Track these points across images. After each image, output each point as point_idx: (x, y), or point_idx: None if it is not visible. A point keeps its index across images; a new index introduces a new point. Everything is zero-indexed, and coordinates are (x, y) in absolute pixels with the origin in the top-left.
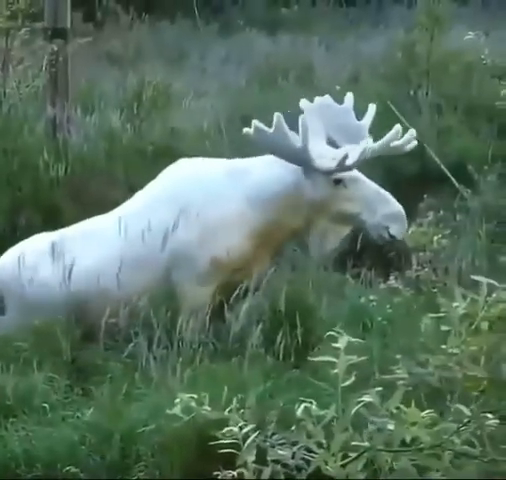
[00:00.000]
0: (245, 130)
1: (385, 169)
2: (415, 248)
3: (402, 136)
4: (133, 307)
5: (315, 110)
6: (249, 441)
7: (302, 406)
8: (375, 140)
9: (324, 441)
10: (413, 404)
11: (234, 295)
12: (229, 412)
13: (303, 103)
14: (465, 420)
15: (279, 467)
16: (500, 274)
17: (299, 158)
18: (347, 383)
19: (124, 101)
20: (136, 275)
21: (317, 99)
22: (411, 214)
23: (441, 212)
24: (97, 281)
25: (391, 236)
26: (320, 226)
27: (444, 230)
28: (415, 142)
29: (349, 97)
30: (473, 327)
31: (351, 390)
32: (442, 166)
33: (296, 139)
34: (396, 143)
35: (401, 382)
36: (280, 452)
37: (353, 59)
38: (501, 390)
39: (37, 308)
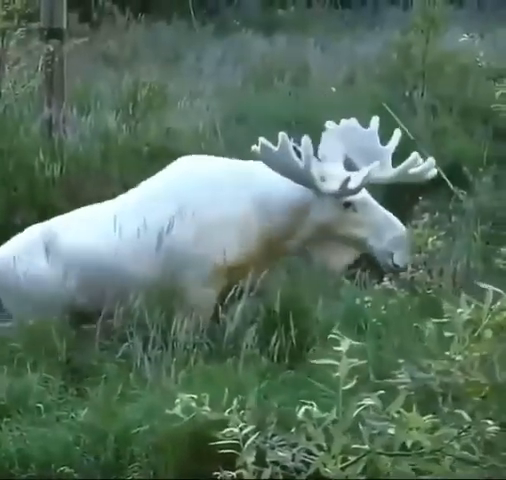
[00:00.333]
0: (253, 148)
1: None
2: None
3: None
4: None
5: (338, 132)
6: (249, 442)
7: (303, 408)
8: None
9: (324, 444)
10: (414, 409)
11: (229, 296)
12: (228, 413)
13: (328, 124)
14: (465, 426)
15: (278, 469)
16: (495, 276)
17: (302, 178)
18: (348, 386)
19: (120, 101)
20: (131, 271)
21: (343, 121)
22: (406, 216)
23: (436, 214)
24: (93, 275)
25: (395, 265)
26: (326, 247)
27: (439, 232)
28: (435, 171)
29: (375, 121)
30: (476, 334)
31: (350, 392)
32: (437, 168)
33: (299, 160)
34: (414, 171)
35: (403, 386)
36: (280, 454)
37: (349, 60)
38: (502, 397)
39: (32, 300)
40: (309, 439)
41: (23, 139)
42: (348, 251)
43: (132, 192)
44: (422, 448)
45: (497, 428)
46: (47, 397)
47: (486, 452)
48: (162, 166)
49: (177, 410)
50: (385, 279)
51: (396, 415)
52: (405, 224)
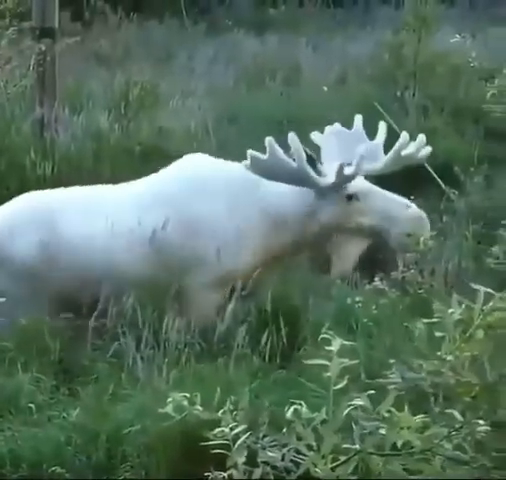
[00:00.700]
0: (243, 163)
1: None
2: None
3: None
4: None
5: (327, 139)
6: (239, 442)
7: (292, 408)
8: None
9: (314, 443)
10: (406, 408)
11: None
12: (221, 413)
13: (314, 135)
14: (456, 425)
15: (269, 469)
16: (486, 276)
17: (298, 178)
18: (339, 386)
19: (112, 101)
20: (124, 266)
21: (327, 128)
22: None
23: (428, 213)
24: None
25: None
26: (339, 244)
27: (430, 231)
28: (429, 148)
29: (358, 119)
30: (468, 334)
31: (341, 392)
32: (428, 167)
33: (291, 161)
34: (407, 152)
35: (392, 386)
36: (269, 454)
37: (340, 60)
38: (492, 397)
39: (24, 276)
40: (300, 439)
41: (15, 138)
42: (355, 249)
43: (136, 183)
44: (413, 448)
45: (488, 428)
46: (38, 397)
47: (477, 451)
48: (154, 165)
49: (169, 409)
50: (376, 279)
51: (387, 415)
52: None
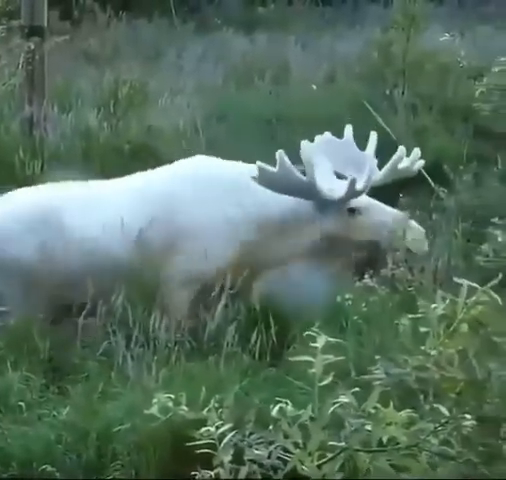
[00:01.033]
0: (251, 176)
1: None
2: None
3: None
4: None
5: (317, 148)
6: (225, 441)
7: (277, 406)
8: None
9: (300, 441)
10: (391, 404)
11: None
12: (207, 412)
13: (304, 144)
14: (442, 421)
15: (255, 467)
16: (476, 274)
17: (308, 192)
18: (324, 383)
19: (101, 99)
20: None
21: (317, 138)
22: None
23: (417, 211)
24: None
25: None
26: (344, 260)
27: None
28: (422, 162)
29: (348, 129)
30: (451, 329)
31: (328, 389)
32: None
33: (301, 175)
34: (403, 165)
35: (378, 382)
36: (256, 452)
37: (329, 58)
38: (478, 392)
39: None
40: (286, 437)
41: (3, 137)
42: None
43: (130, 179)
44: (398, 444)
45: (474, 423)
46: (28, 395)
47: (464, 446)
48: (143, 164)
49: (154, 410)
50: (366, 276)
51: (373, 411)
52: None
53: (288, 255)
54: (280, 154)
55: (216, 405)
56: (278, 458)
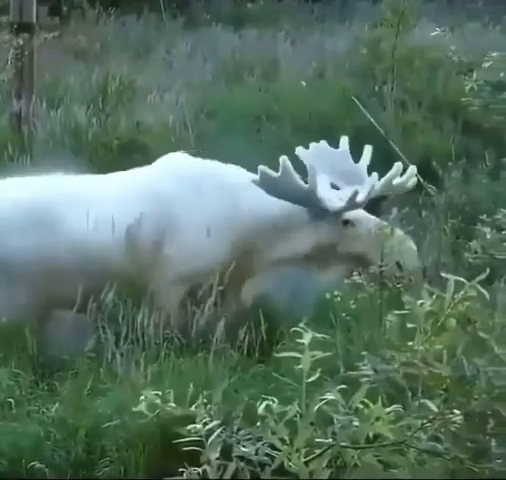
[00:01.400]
0: (252, 179)
1: None
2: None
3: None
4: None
5: (313, 155)
6: (212, 438)
7: (263, 403)
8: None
9: (286, 438)
10: (379, 400)
11: (200, 291)
12: (195, 408)
13: (299, 150)
14: (430, 417)
15: (243, 464)
16: (465, 270)
17: (307, 200)
18: (312, 379)
19: (90, 95)
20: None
21: (312, 145)
22: (375, 210)
23: (406, 208)
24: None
25: (401, 269)
26: (331, 268)
27: (408, 226)
28: (415, 179)
29: (344, 141)
30: (439, 324)
31: (316, 385)
32: (407, 162)
33: (303, 182)
34: (398, 181)
35: (365, 379)
36: (243, 449)
37: (318, 55)
38: (464, 388)
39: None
40: (274, 433)
41: None
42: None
43: (122, 175)
44: (386, 440)
45: (461, 418)
46: (17, 392)
47: (452, 443)
48: (132, 160)
49: (142, 407)
50: (355, 273)
51: (360, 407)
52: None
53: (279, 258)
54: (283, 160)
55: (204, 401)
56: (266, 455)
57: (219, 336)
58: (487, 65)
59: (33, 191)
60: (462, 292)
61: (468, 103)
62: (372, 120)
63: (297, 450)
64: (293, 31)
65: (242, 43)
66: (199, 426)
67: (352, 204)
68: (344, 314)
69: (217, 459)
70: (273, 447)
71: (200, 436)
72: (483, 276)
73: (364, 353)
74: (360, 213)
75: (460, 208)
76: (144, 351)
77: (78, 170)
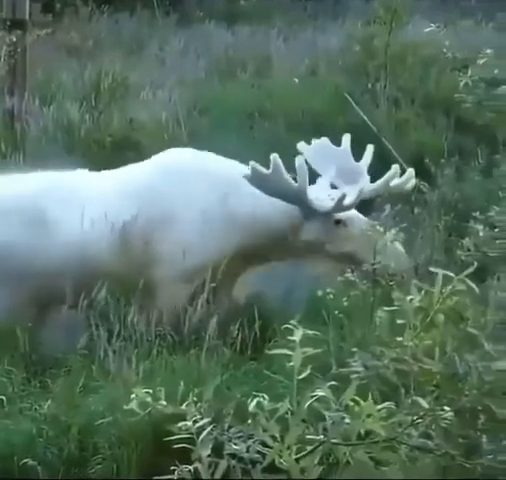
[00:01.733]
0: (244, 174)
1: None
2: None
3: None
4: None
5: (314, 151)
6: (203, 435)
7: (255, 400)
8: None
9: (278, 435)
10: (370, 397)
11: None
12: (186, 406)
13: (301, 146)
14: (421, 413)
15: (234, 461)
16: (458, 267)
17: (297, 199)
18: (303, 376)
19: (83, 92)
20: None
21: (314, 141)
22: (367, 208)
23: (398, 205)
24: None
25: (390, 274)
26: (322, 266)
27: (401, 223)
28: (414, 181)
29: (346, 139)
30: (428, 320)
31: (308, 382)
32: (399, 159)
33: (293, 180)
34: (396, 182)
35: (355, 375)
36: (234, 446)
37: (311, 52)
38: (455, 384)
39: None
40: (265, 430)
41: None
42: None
43: (121, 171)
44: (377, 436)
45: (452, 414)
46: (10, 389)
47: (442, 439)
48: (125, 157)
49: (133, 405)
50: (347, 271)
51: (351, 403)
52: (366, 216)
53: (272, 256)
54: (274, 157)
55: (194, 399)
56: (257, 452)
57: (212, 333)
58: (481, 62)
59: (25, 188)
60: (450, 286)
61: (461, 100)
62: (365, 117)
63: (288, 447)
64: (286, 28)
65: (235, 40)
66: (190, 424)
67: (340, 207)
68: (337, 311)
69: (208, 457)
70: (264, 444)
71: (191, 434)
72: (471, 269)
73: (354, 350)
74: (352, 213)
75: (453, 205)
76: (136, 348)
77: (71, 167)
